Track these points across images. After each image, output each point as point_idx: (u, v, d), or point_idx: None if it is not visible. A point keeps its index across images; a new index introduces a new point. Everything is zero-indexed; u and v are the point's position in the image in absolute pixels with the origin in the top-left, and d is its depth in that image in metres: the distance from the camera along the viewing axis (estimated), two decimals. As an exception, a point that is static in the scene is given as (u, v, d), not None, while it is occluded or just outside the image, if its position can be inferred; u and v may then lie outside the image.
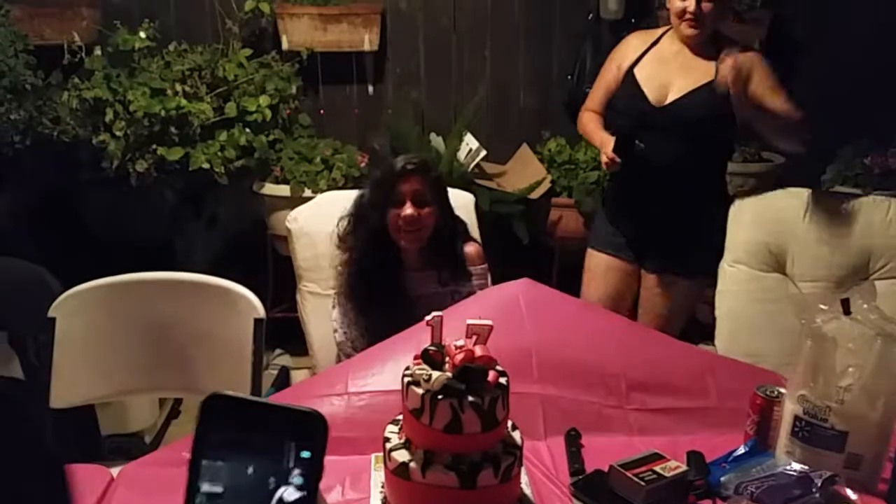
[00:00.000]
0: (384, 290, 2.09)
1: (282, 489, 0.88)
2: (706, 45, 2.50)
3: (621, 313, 2.50)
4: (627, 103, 2.57)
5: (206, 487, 0.89)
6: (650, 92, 2.51)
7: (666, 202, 2.53)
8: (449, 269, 2.15)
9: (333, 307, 2.13)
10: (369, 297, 2.09)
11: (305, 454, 0.87)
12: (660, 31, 2.63)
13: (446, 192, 2.21)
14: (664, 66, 2.53)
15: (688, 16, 2.41)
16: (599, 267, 2.74)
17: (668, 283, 2.61)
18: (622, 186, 2.69)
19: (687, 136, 2.46)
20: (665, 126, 2.47)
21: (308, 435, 0.88)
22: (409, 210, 2.05)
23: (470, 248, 2.24)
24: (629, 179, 2.58)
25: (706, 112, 2.44)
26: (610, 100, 2.66)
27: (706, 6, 2.41)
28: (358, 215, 2.14)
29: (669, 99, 2.48)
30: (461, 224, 2.29)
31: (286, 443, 0.88)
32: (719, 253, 2.48)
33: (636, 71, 2.55)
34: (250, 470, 0.89)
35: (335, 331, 2.12)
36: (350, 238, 2.14)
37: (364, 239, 2.11)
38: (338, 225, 2.15)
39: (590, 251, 2.78)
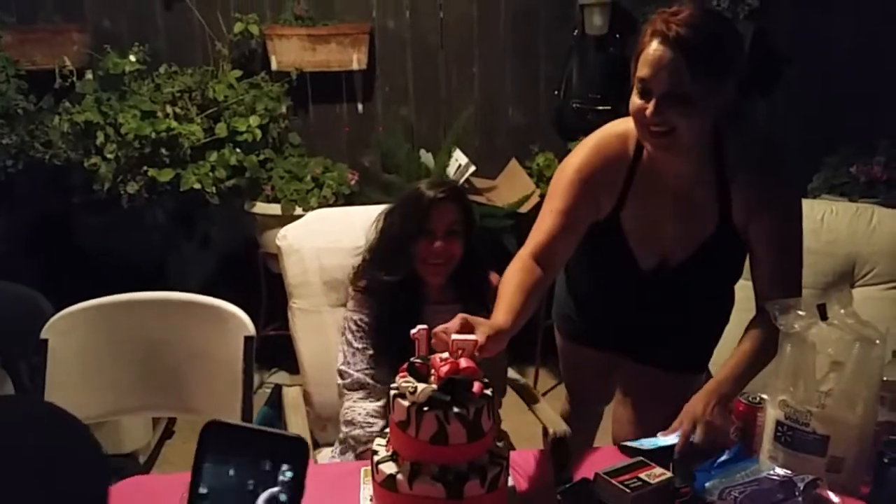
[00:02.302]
0: (400, 322, 1.76)
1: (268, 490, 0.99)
2: (701, 159, 1.70)
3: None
4: (613, 266, 1.88)
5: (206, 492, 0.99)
6: (644, 252, 1.81)
7: (661, 317, 1.92)
8: (471, 303, 1.87)
9: (342, 333, 2.00)
10: (384, 329, 1.93)
11: (289, 474, 0.98)
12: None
13: (475, 219, 2.01)
14: (655, 206, 1.76)
15: (651, 127, 1.59)
16: (570, 357, 2.20)
17: (653, 376, 2.00)
18: (597, 289, 1.98)
19: (696, 290, 1.86)
20: (666, 287, 1.84)
21: (292, 457, 0.98)
22: (439, 243, 1.89)
23: (493, 280, 1.97)
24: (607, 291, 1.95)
25: (719, 265, 1.84)
26: (588, 253, 1.85)
27: (677, 118, 1.55)
28: (381, 244, 1.99)
29: (672, 260, 1.81)
30: (482, 251, 2.03)
31: (273, 463, 0.99)
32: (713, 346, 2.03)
33: (624, 218, 1.78)
34: (245, 479, 0.99)
35: (343, 363, 1.97)
36: (370, 266, 2.00)
37: (389, 265, 1.94)
38: (363, 256, 2.02)
39: (556, 331, 2.21)
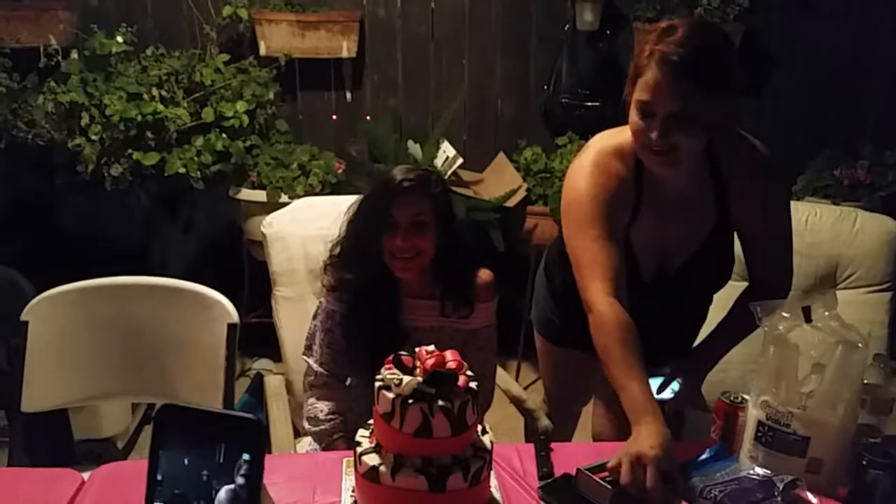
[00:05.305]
0: (375, 316, 1.82)
1: (226, 486, 0.98)
2: (696, 163, 1.70)
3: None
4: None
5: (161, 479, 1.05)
6: (646, 260, 1.81)
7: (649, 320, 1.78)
8: (454, 299, 1.86)
9: (314, 316, 1.93)
10: (357, 322, 1.85)
11: (246, 456, 0.97)
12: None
13: (450, 209, 1.86)
14: (663, 215, 1.76)
15: (654, 147, 1.60)
16: (550, 359, 2.20)
17: None
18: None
19: (689, 294, 1.91)
20: (661, 293, 1.84)
21: (247, 440, 0.97)
22: (400, 241, 1.75)
23: (484, 276, 1.90)
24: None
25: (712, 268, 1.85)
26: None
27: (682, 138, 1.57)
28: (350, 235, 1.87)
29: (670, 265, 1.82)
30: (468, 244, 1.93)
31: (228, 446, 0.97)
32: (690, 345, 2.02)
33: (633, 233, 1.76)
34: (199, 469, 0.99)
35: (306, 351, 1.93)
36: (341, 257, 1.88)
37: (356, 262, 1.84)
38: (331, 248, 1.91)
39: (536, 333, 2.21)
